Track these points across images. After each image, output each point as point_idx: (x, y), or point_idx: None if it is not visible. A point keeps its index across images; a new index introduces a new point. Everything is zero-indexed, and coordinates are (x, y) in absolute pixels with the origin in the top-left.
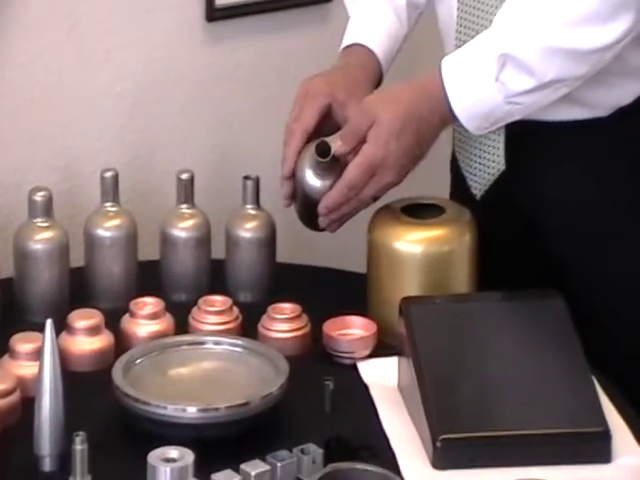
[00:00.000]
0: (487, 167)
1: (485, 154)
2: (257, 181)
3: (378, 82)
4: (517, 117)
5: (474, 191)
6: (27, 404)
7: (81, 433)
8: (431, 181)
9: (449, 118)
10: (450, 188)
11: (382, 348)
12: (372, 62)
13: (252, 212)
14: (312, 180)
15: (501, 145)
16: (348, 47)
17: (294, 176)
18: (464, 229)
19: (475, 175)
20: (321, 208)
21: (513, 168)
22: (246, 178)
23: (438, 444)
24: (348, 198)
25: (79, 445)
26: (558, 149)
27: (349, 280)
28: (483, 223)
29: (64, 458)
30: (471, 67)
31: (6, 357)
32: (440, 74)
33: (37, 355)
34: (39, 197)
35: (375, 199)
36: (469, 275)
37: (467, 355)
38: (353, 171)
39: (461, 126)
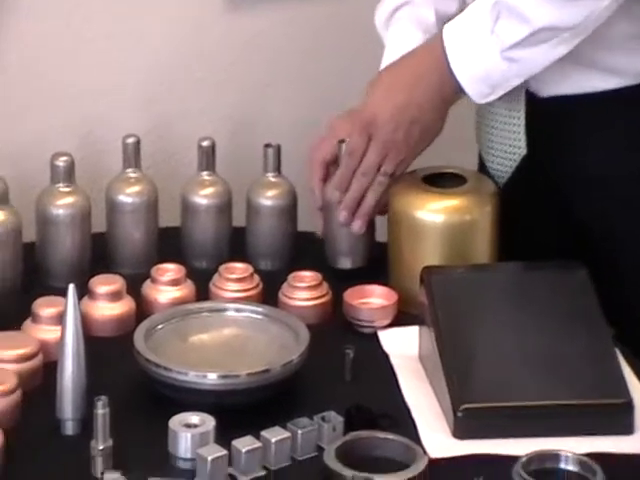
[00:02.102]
0: (508, 153)
1: (506, 140)
2: (278, 149)
3: None
4: (516, 80)
5: (497, 180)
6: (49, 368)
7: (103, 397)
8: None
9: (449, 79)
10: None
11: (402, 317)
12: None
13: (273, 180)
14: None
15: (522, 129)
16: None
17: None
18: (486, 199)
19: (497, 164)
20: (331, 193)
21: (537, 149)
22: (267, 146)
23: (459, 414)
24: (352, 168)
25: (101, 409)
26: (585, 124)
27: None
28: (507, 197)
29: (86, 422)
30: (468, 23)
31: (28, 321)
32: (441, 33)
33: (59, 319)
34: (61, 162)
35: (389, 177)
36: (490, 245)
37: (488, 325)
38: (348, 135)
39: (462, 92)
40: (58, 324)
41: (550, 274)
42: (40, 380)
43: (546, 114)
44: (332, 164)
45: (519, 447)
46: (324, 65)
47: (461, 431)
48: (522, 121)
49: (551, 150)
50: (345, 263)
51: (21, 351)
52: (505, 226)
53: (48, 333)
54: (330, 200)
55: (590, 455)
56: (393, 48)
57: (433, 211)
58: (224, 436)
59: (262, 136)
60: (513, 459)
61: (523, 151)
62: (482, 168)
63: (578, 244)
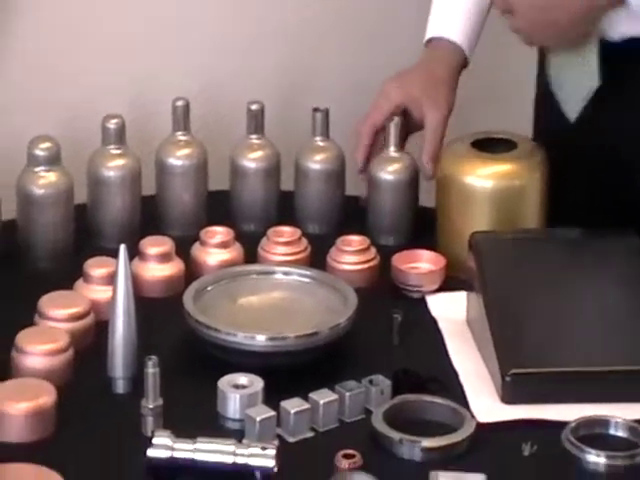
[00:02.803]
0: (580, 86)
1: (578, 74)
2: (327, 113)
3: (463, 66)
4: None
5: (568, 114)
6: (100, 327)
7: (153, 357)
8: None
9: None
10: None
11: (450, 282)
12: (454, 53)
13: (322, 144)
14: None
15: (594, 62)
16: (430, 41)
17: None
18: (535, 165)
19: (569, 96)
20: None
21: (604, 100)
22: (315, 110)
23: (507, 379)
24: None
25: (151, 368)
26: None
27: (418, 214)
28: (560, 160)
29: (136, 381)
30: None
31: (80, 281)
32: None
33: (110, 279)
34: (112, 124)
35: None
36: (539, 211)
37: (537, 290)
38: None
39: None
40: (109, 284)
41: (601, 240)
42: (92, 339)
43: (617, 59)
44: (380, 132)
45: (568, 412)
46: (375, 29)
47: (509, 396)
48: (595, 55)
49: (620, 104)
50: (387, 240)
51: (73, 310)
52: (557, 184)
53: (99, 293)
54: (375, 176)
55: None
56: (439, 9)
57: (482, 176)
58: (272, 397)
59: (311, 99)
60: (562, 424)
61: (595, 83)
62: (536, 135)
63: (634, 207)
